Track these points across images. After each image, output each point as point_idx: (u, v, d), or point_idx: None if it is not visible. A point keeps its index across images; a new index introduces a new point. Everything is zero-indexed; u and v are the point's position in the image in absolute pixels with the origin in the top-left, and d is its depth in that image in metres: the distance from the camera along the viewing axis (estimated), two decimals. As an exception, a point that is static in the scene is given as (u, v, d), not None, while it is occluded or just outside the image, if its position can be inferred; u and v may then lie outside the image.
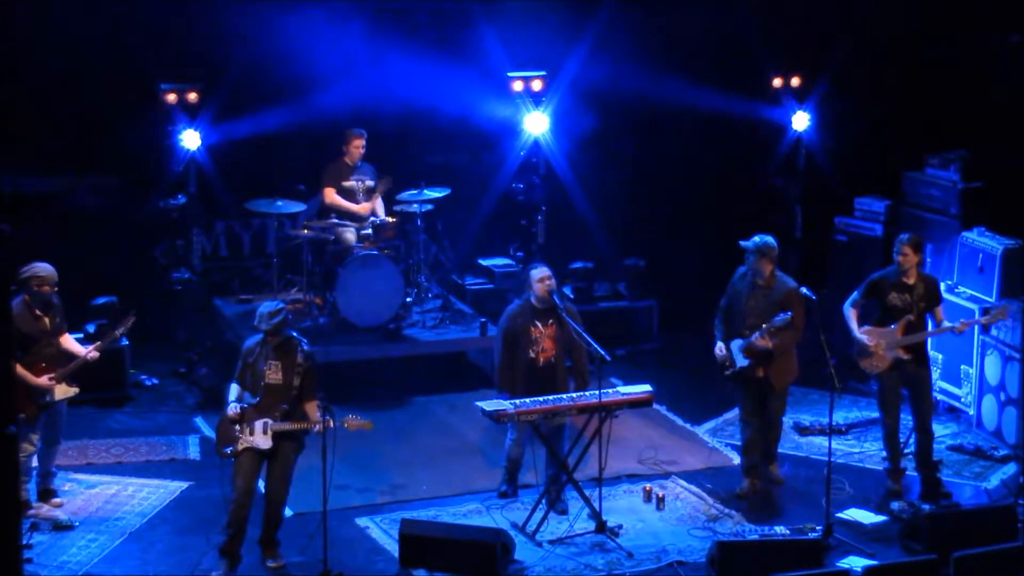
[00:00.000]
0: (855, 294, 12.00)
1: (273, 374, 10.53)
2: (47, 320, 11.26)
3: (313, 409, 10.52)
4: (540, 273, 11.49)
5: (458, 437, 13.01)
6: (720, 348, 11.76)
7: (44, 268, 11.22)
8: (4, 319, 7.02)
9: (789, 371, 11.82)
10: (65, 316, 11.56)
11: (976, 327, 12.91)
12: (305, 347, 10.68)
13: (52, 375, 11.15)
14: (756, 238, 11.69)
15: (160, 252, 15.22)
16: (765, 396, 11.82)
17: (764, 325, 11.47)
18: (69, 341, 11.50)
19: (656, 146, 16.38)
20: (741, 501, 11.75)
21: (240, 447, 10.48)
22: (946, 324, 11.87)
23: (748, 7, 15.97)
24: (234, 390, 10.65)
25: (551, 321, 11.43)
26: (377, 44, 15.24)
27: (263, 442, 10.45)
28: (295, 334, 10.82)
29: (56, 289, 11.29)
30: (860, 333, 11.81)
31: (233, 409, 10.50)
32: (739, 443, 12.37)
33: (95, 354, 11.42)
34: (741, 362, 11.65)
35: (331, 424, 10.29)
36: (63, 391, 11.29)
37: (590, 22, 15.72)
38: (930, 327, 11.92)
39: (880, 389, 11.94)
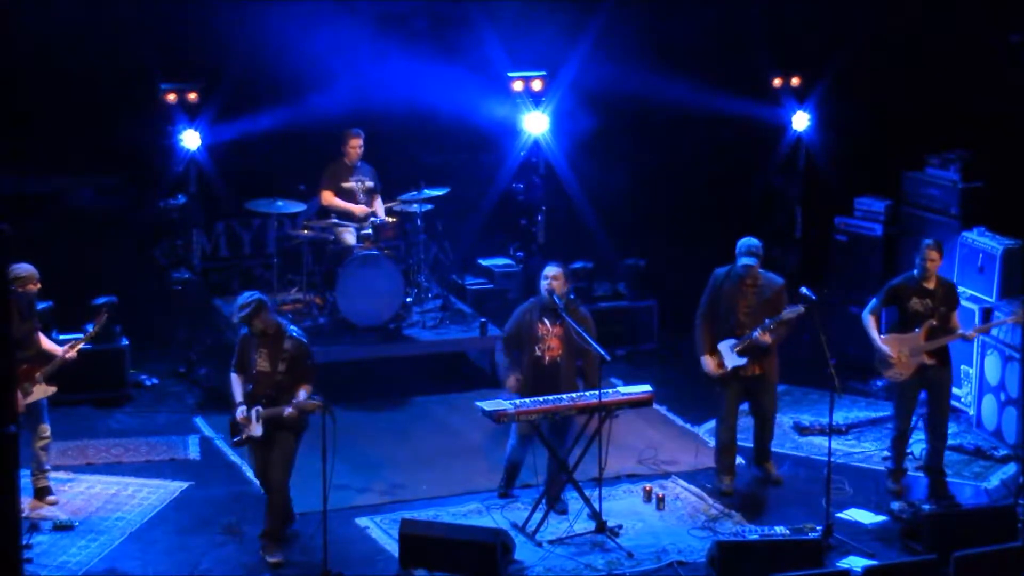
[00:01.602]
0: (873, 302, 11.97)
1: (263, 362, 10.65)
2: (31, 322, 11.27)
3: (303, 392, 10.56)
4: (545, 270, 11.50)
5: (458, 437, 13.01)
6: (706, 362, 11.74)
7: (23, 268, 11.20)
8: (4, 319, 7.02)
9: (776, 365, 11.86)
10: (37, 316, 11.53)
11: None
12: (293, 332, 10.72)
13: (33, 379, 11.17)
14: (745, 246, 11.60)
15: (160, 252, 15.22)
16: (754, 394, 11.81)
17: (768, 320, 11.47)
18: (44, 340, 11.50)
19: (656, 146, 16.37)
20: (732, 498, 11.75)
21: (244, 436, 10.67)
22: (973, 329, 11.93)
23: (748, 7, 15.97)
24: (235, 381, 10.80)
25: (559, 321, 11.42)
26: (377, 44, 15.24)
27: (256, 429, 10.59)
28: (282, 321, 10.86)
29: (39, 287, 11.29)
30: (882, 343, 11.78)
31: (241, 413, 10.65)
32: (740, 443, 12.36)
33: (73, 354, 11.43)
34: (735, 362, 11.64)
35: (315, 407, 10.40)
36: (42, 391, 11.30)
37: (590, 22, 15.71)
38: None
39: (899, 393, 11.90)
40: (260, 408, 10.58)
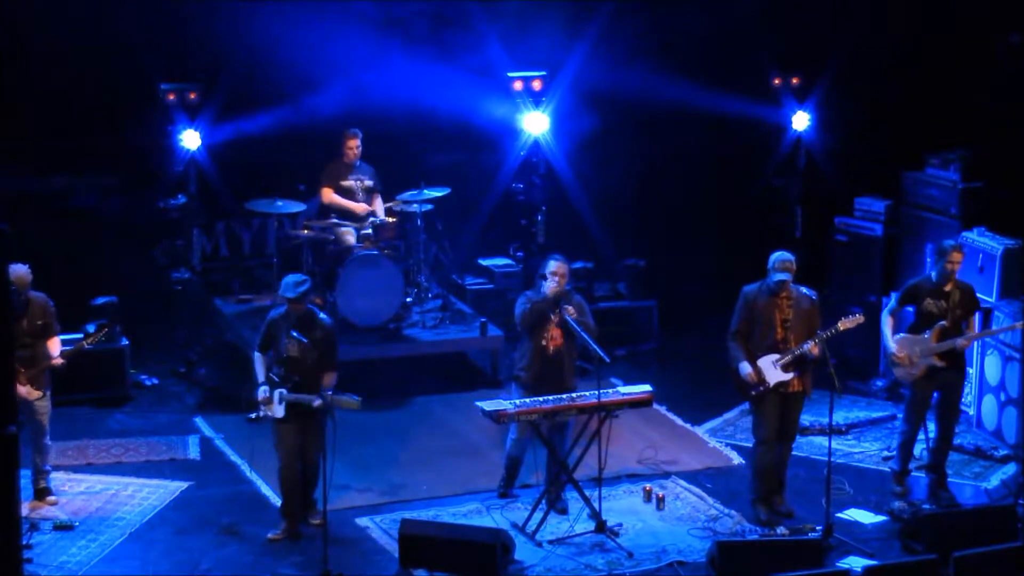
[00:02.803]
0: (892, 302, 11.96)
1: (293, 348, 10.75)
2: (23, 322, 11.21)
3: (330, 380, 10.79)
4: (551, 267, 11.42)
5: (458, 437, 13.01)
6: (746, 367, 11.21)
7: (15, 270, 11.13)
8: (4, 319, 7.03)
9: (811, 383, 11.48)
10: (56, 319, 11.48)
11: (976, 329, 12.88)
12: (324, 319, 10.92)
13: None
14: (779, 261, 11.18)
15: (160, 252, 15.21)
16: (785, 412, 11.35)
17: (822, 332, 11.08)
18: (55, 345, 11.43)
19: (656, 146, 16.37)
20: (732, 498, 11.71)
21: (261, 414, 10.87)
22: (964, 338, 11.76)
23: (748, 7, 15.97)
24: (258, 360, 10.97)
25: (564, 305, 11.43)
26: (378, 44, 15.24)
27: (278, 411, 10.76)
28: (314, 308, 11.05)
29: (28, 290, 11.21)
30: (892, 342, 11.75)
31: (263, 393, 10.81)
32: (739, 443, 12.43)
33: (60, 360, 11.38)
34: (779, 377, 11.19)
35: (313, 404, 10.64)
36: (26, 393, 11.17)
37: (590, 22, 15.71)
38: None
39: (911, 396, 11.82)
40: (284, 391, 10.72)
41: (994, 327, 12.89)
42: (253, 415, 10.97)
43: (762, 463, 11.44)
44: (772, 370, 11.20)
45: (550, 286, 11.33)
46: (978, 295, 13.15)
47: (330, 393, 10.66)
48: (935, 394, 11.82)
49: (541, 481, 11.55)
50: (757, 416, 11.39)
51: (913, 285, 11.89)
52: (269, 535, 10.95)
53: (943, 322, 11.62)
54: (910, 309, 11.95)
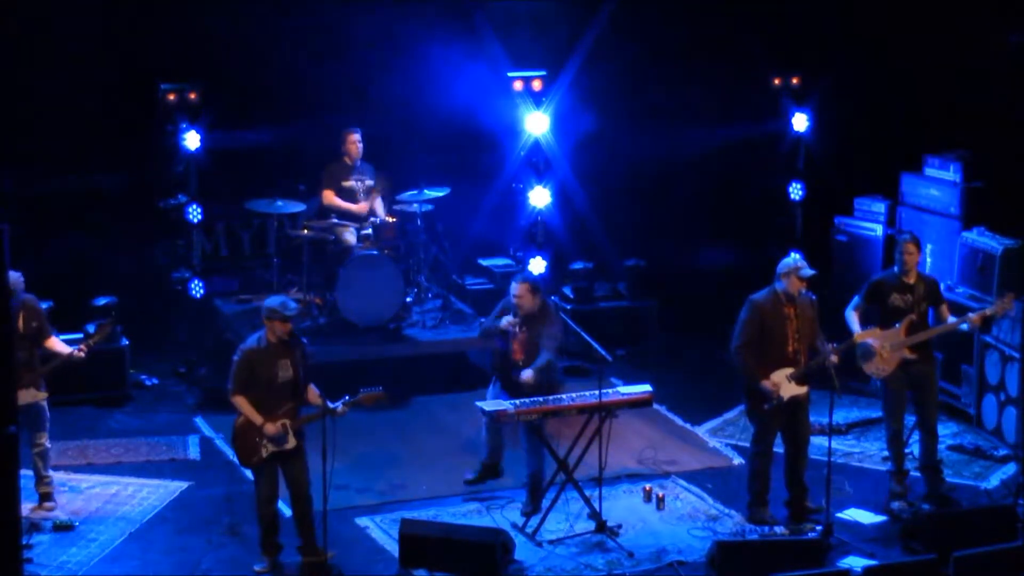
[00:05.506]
0: (856, 298, 11.94)
1: (284, 372, 10.44)
2: (19, 324, 11.18)
3: (312, 392, 10.51)
4: (511, 287, 11.53)
5: (458, 437, 13.01)
6: (768, 386, 11.06)
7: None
8: (4, 319, 7.03)
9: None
10: (48, 320, 11.41)
11: (951, 319, 12.85)
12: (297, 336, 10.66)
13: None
14: (797, 260, 11.18)
15: (160, 252, 15.22)
16: (793, 418, 11.27)
17: (834, 344, 11.07)
18: (56, 344, 11.42)
19: (656, 146, 16.37)
20: (732, 497, 11.70)
21: (265, 454, 10.42)
22: (951, 321, 11.84)
23: (748, 7, 15.98)
24: (246, 402, 10.44)
25: (524, 327, 11.48)
26: (378, 43, 15.25)
27: (289, 442, 10.40)
28: None
29: (15, 294, 11.14)
30: (862, 337, 11.74)
31: (275, 428, 10.36)
32: (739, 443, 12.42)
33: (80, 352, 11.27)
34: (793, 392, 11.13)
35: (338, 411, 10.35)
36: (31, 395, 11.12)
37: (590, 22, 15.72)
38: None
39: (886, 392, 11.86)
40: (288, 420, 10.37)
41: (993, 329, 12.89)
42: (254, 458, 10.43)
43: (760, 464, 11.42)
44: (786, 384, 11.14)
45: (506, 323, 11.42)
46: (978, 294, 13.19)
47: (348, 397, 10.38)
48: (908, 391, 11.84)
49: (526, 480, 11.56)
50: (762, 426, 11.33)
51: (877, 281, 11.91)
52: (256, 567, 10.58)
53: (912, 316, 11.65)
54: (874, 305, 11.98)
